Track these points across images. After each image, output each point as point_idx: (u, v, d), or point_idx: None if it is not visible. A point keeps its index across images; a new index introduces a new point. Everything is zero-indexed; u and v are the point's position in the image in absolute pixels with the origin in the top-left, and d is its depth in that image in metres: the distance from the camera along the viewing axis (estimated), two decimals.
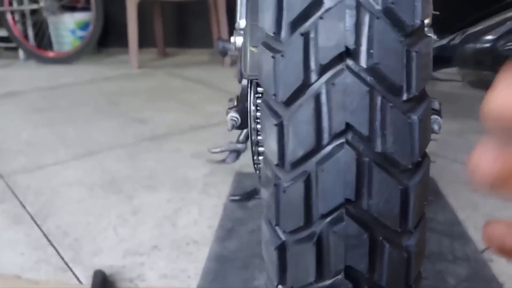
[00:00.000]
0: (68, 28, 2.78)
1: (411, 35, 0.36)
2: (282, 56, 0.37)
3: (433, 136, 0.43)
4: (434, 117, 0.50)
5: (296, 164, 0.37)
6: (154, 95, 2.04)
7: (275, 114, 0.38)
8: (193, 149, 1.40)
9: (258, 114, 0.56)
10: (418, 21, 0.36)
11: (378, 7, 0.35)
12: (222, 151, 1.01)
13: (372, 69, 0.35)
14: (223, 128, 1.57)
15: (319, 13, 0.36)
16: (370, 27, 0.35)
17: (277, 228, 0.39)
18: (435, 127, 0.50)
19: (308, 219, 0.37)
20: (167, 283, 0.82)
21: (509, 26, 0.45)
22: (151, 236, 0.96)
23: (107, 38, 3.03)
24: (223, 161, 1.04)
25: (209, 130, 1.58)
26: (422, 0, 0.36)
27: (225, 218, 0.99)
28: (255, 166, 0.60)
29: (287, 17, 0.36)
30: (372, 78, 0.35)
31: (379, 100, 0.35)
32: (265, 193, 0.40)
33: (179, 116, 1.73)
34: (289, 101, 0.37)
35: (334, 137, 0.36)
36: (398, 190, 0.36)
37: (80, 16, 2.79)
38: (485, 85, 0.54)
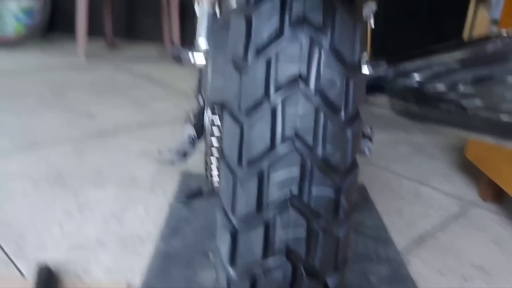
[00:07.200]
0: (12, 12, 2.67)
1: (350, 68, 0.45)
2: (247, 74, 0.45)
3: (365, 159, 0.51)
4: (365, 141, 0.59)
5: (252, 162, 0.45)
6: (101, 89, 2.03)
7: (237, 121, 0.46)
8: (141, 147, 1.42)
9: (215, 131, 0.62)
10: (356, 58, 0.45)
11: (326, 44, 0.44)
12: (171, 152, 1.05)
13: (318, 92, 0.44)
14: (172, 127, 1.61)
15: (279, 43, 0.44)
16: (319, 59, 0.44)
17: (231, 216, 0.47)
18: (366, 151, 0.59)
19: (260, 207, 0.44)
20: (112, 278, 0.85)
21: (434, 71, 0.55)
22: (97, 231, 0.99)
23: (53, 24, 2.94)
24: (171, 162, 1.08)
25: (157, 129, 1.60)
26: (360, 42, 0.45)
27: (171, 217, 1.04)
28: (207, 175, 0.66)
29: (254, 44, 0.45)
30: (318, 99, 0.44)
31: (322, 116, 0.44)
32: (223, 188, 0.48)
33: (127, 112, 1.74)
34: (250, 111, 0.45)
35: (284, 142, 0.44)
36: (332, 189, 0.45)
37: (25, 2, 2.69)
38: (410, 116, 0.63)
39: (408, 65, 0.61)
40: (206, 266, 0.87)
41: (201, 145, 0.94)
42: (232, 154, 0.46)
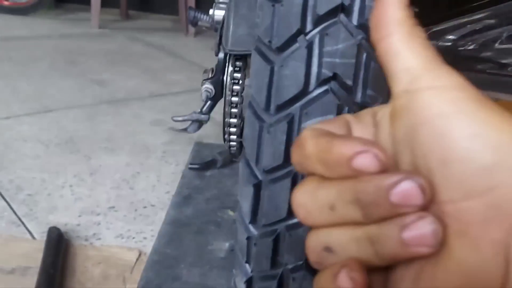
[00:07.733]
0: None
1: None
2: (281, 5, 0.39)
3: None
4: None
5: (282, 106, 0.40)
6: (114, 58, 1.99)
7: (267, 60, 0.41)
8: (153, 116, 1.40)
9: (235, 87, 0.59)
10: None
11: None
12: (184, 120, 1.02)
13: (361, 26, 0.38)
14: (184, 97, 1.59)
15: None
16: None
17: (256, 168, 0.42)
18: None
19: (287, 158, 0.40)
20: (122, 243, 0.84)
21: (468, 29, 0.50)
22: (108, 197, 0.97)
23: None
24: (185, 130, 1.05)
25: (169, 99, 1.58)
26: None
27: (183, 185, 1.01)
28: (225, 136, 0.63)
29: None
30: (361, 34, 0.38)
31: (364, 54, 0.38)
32: (248, 136, 0.43)
33: (140, 82, 1.72)
34: (282, 48, 0.39)
35: (320, 84, 0.38)
36: None
37: None
38: None
39: (440, 26, 0.58)
40: (219, 235, 0.85)
41: (215, 115, 0.92)
42: (259, 98, 0.41)
